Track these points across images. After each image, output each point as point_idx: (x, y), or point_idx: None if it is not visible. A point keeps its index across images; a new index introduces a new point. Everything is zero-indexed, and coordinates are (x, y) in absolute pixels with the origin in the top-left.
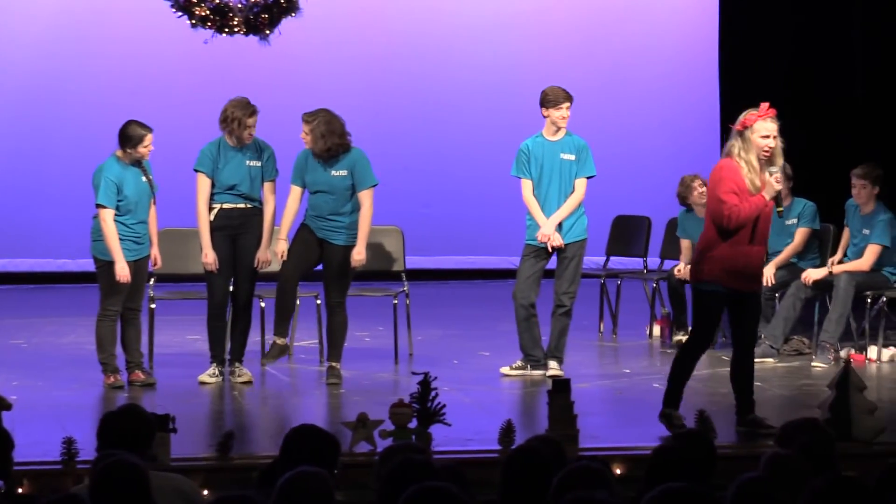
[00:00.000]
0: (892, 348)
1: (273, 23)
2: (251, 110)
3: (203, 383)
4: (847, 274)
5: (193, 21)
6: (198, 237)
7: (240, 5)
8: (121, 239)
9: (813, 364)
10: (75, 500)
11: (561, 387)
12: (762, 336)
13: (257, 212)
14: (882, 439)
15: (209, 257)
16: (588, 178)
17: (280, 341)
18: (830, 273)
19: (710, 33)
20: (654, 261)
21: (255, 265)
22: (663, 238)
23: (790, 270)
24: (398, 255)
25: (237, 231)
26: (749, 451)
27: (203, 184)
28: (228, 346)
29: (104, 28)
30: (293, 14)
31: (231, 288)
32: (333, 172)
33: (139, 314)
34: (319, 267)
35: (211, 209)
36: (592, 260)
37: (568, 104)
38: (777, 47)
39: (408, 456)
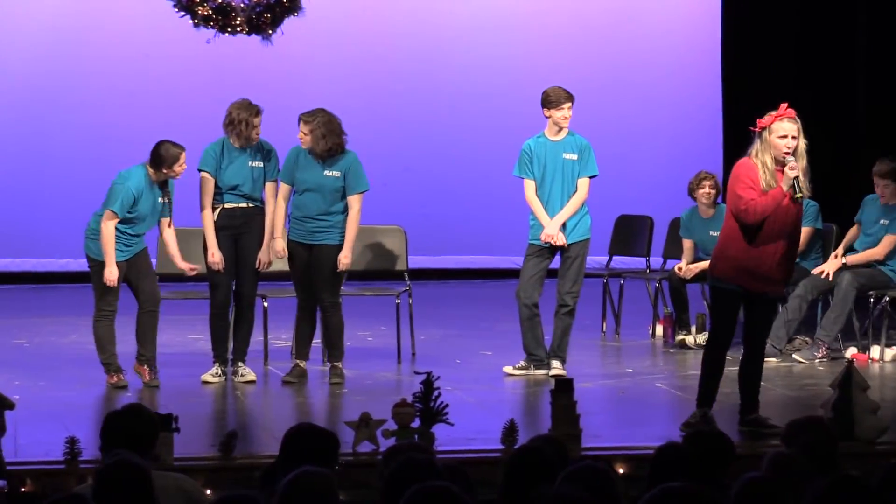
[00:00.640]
0: (894, 348)
1: (276, 22)
2: (256, 110)
3: (206, 383)
4: (850, 274)
5: (196, 21)
6: (200, 237)
7: (242, 5)
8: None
9: (794, 356)
10: (78, 500)
11: (564, 386)
12: None
13: (259, 211)
14: (885, 439)
15: (216, 257)
16: (591, 177)
17: (302, 364)
18: (845, 265)
19: (713, 33)
20: (656, 260)
21: (257, 266)
22: (666, 238)
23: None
24: (400, 255)
25: (240, 231)
26: (752, 451)
27: (207, 183)
28: (231, 345)
29: (106, 28)
30: (296, 14)
31: (234, 287)
32: (326, 172)
33: (157, 306)
34: None
35: (213, 209)
36: (595, 259)
37: (569, 104)
38: (780, 48)
39: (411, 455)
